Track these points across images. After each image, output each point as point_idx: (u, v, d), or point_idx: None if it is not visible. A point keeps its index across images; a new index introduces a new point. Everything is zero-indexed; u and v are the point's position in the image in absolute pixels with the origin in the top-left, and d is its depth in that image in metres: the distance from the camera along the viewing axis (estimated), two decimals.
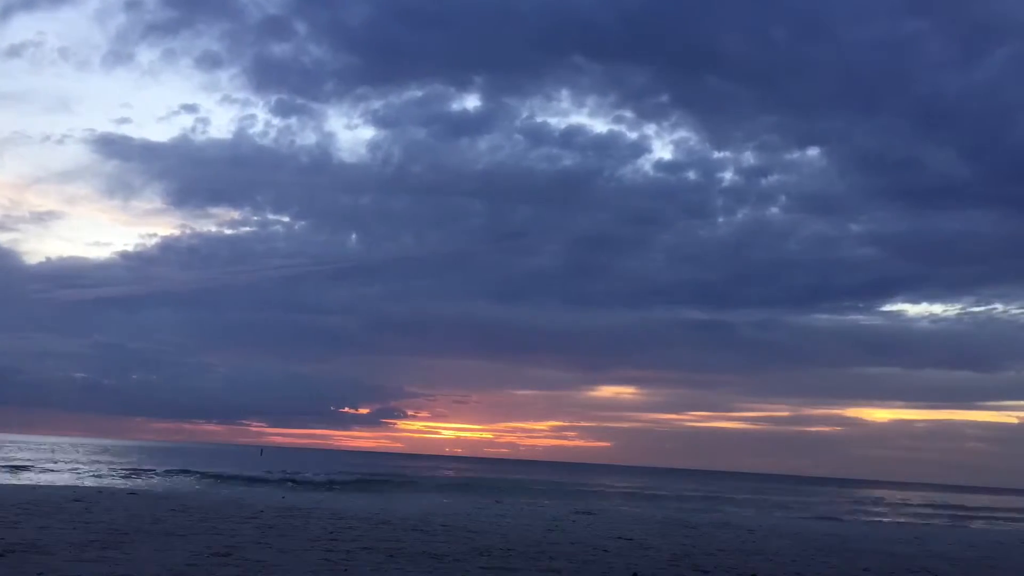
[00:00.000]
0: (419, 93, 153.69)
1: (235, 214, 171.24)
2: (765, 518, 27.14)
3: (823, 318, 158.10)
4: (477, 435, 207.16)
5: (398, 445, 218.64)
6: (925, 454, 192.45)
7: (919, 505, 59.85)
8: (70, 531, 11.98)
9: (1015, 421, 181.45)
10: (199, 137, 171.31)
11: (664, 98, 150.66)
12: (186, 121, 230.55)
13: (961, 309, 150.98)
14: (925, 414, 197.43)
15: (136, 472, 42.64)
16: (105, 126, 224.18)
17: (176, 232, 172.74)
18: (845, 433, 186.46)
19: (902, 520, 38.03)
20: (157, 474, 41.16)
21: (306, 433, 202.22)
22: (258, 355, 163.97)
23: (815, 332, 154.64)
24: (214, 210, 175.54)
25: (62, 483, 31.24)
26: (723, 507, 39.77)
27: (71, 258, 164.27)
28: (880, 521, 35.18)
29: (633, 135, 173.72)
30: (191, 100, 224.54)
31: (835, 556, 14.02)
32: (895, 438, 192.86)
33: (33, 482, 31.12)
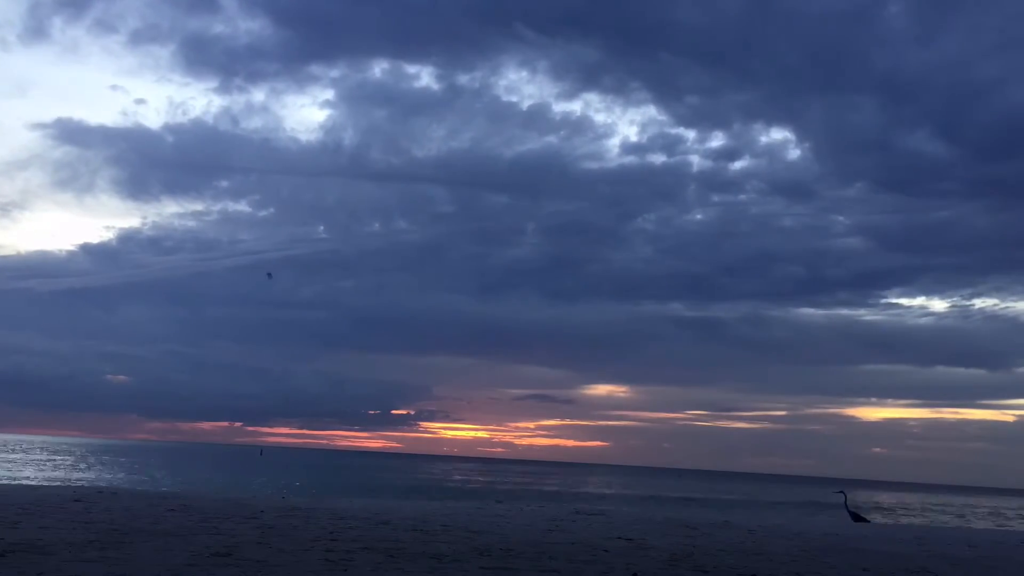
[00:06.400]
0: (366, 71, 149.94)
1: (196, 205, 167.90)
2: (765, 518, 27.14)
3: (814, 312, 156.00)
4: (473, 435, 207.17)
5: (397, 445, 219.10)
6: (924, 453, 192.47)
7: (919, 505, 59.84)
8: (70, 531, 11.97)
9: (1012, 420, 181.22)
10: (140, 121, 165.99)
11: (620, 76, 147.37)
12: (122, 104, 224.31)
13: (952, 304, 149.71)
14: (923, 412, 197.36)
15: (137, 472, 42.64)
16: (44, 112, 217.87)
17: (136, 223, 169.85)
18: (843, 432, 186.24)
19: (902, 520, 38.02)
20: (158, 475, 41.15)
21: (304, 433, 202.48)
22: (243, 353, 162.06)
23: (808, 328, 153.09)
24: (173, 200, 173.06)
25: (62, 483, 31.22)
26: (723, 507, 39.76)
27: (39, 251, 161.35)
28: (880, 521, 35.18)
29: (595, 116, 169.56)
30: (123, 81, 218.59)
31: (835, 556, 14.02)
32: (892, 437, 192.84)
33: (33, 482, 31.10)
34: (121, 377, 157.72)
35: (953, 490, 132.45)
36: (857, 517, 24.15)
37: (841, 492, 26.65)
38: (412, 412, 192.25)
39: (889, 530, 24.00)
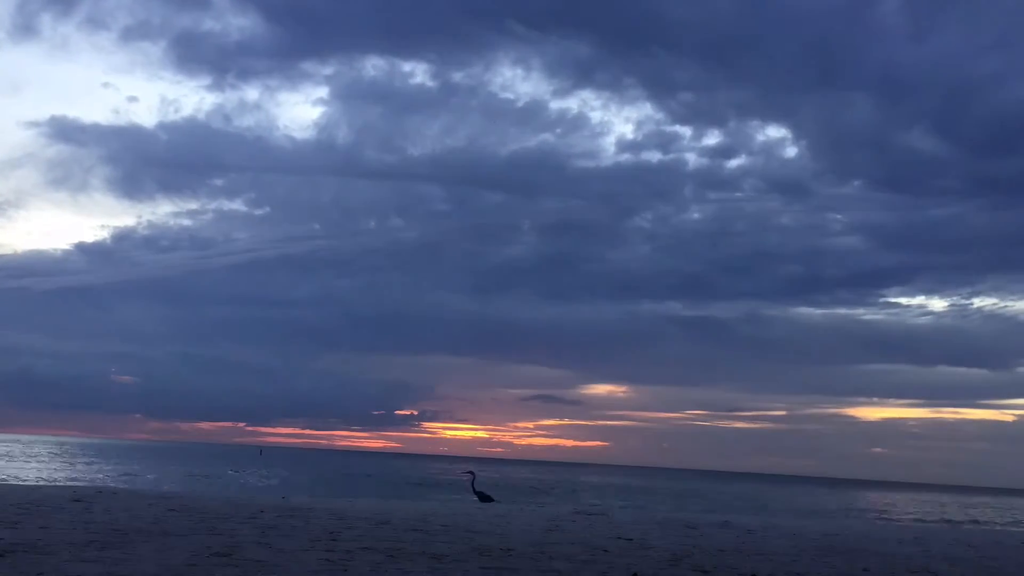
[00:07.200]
0: (360, 69, 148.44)
1: (191, 204, 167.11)
2: (765, 518, 27.13)
3: (812, 312, 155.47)
4: (472, 435, 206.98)
5: (397, 445, 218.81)
6: (924, 453, 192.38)
7: (919, 505, 59.82)
8: (70, 531, 11.96)
9: (1012, 419, 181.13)
10: (133, 119, 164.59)
11: (614, 73, 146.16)
12: (114, 102, 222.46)
13: (951, 304, 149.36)
14: (923, 412, 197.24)
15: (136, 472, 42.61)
16: (37, 110, 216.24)
17: (131, 222, 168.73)
18: (843, 432, 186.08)
19: (902, 520, 38.02)
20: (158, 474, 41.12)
21: (305, 433, 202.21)
22: (242, 352, 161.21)
23: (807, 328, 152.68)
24: (168, 198, 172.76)
25: (62, 483, 31.22)
26: (723, 507, 39.75)
27: (34, 250, 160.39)
28: (880, 521, 35.17)
29: (590, 113, 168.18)
30: (115, 79, 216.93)
31: (835, 556, 14.01)
32: (892, 437, 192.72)
33: (33, 482, 31.11)
34: (120, 376, 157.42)
35: (953, 490, 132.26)
36: (484, 497, 24.14)
37: (470, 472, 26.31)
38: (415, 412, 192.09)
39: (889, 530, 24.00)
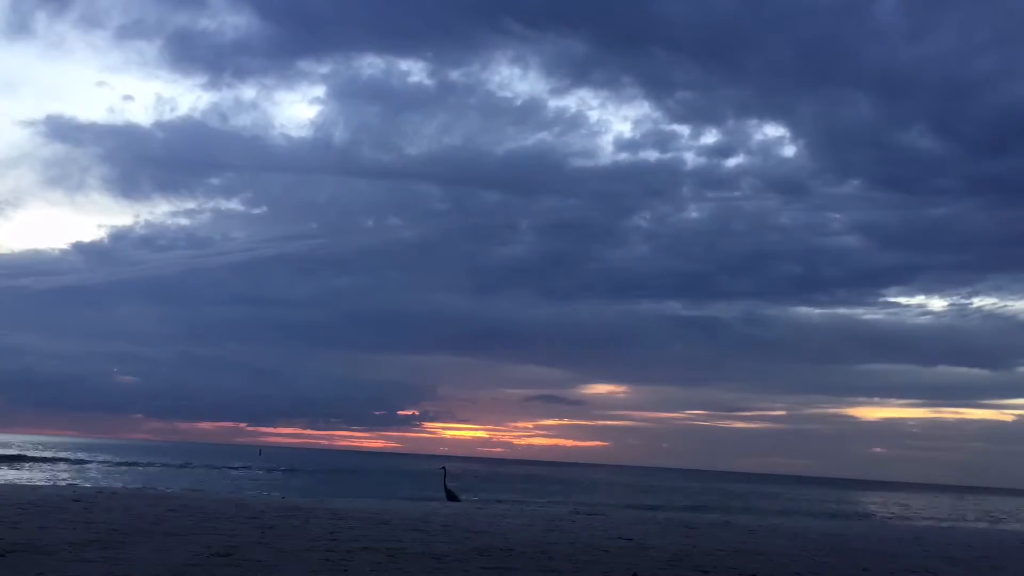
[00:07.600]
0: (356, 67, 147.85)
1: (188, 203, 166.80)
2: (765, 518, 27.13)
3: (811, 311, 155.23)
4: (472, 435, 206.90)
5: (397, 446, 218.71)
6: (924, 453, 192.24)
7: (919, 505, 59.82)
8: (70, 531, 11.96)
9: (1012, 419, 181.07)
10: (129, 119, 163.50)
11: (612, 71, 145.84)
12: (109, 101, 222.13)
13: (950, 303, 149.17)
14: (923, 412, 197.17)
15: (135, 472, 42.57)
16: (34, 109, 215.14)
17: (128, 222, 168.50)
18: (843, 432, 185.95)
19: (902, 520, 38.03)
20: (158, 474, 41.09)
21: (305, 433, 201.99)
22: (241, 351, 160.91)
23: (807, 327, 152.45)
24: (165, 198, 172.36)
25: (62, 483, 31.23)
26: (723, 507, 39.76)
27: (32, 250, 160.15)
28: (880, 521, 35.17)
29: (588, 113, 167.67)
30: (110, 78, 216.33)
31: (835, 556, 14.02)
32: (892, 437, 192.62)
33: (33, 482, 31.11)
34: (119, 376, 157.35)
35: (953, 490, 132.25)
36: (451, 495, 23.94)
37: (443, 468, 26.09)
38: (416, 412, 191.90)
39: (889, 530, 24.01)
